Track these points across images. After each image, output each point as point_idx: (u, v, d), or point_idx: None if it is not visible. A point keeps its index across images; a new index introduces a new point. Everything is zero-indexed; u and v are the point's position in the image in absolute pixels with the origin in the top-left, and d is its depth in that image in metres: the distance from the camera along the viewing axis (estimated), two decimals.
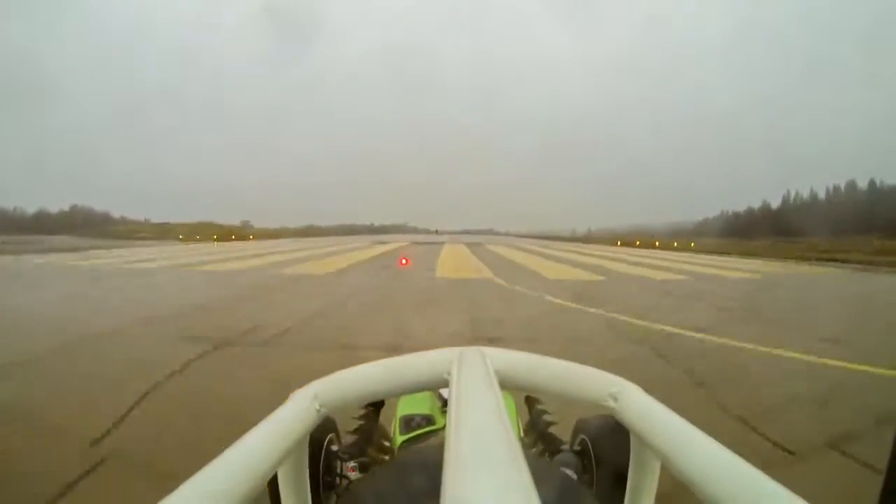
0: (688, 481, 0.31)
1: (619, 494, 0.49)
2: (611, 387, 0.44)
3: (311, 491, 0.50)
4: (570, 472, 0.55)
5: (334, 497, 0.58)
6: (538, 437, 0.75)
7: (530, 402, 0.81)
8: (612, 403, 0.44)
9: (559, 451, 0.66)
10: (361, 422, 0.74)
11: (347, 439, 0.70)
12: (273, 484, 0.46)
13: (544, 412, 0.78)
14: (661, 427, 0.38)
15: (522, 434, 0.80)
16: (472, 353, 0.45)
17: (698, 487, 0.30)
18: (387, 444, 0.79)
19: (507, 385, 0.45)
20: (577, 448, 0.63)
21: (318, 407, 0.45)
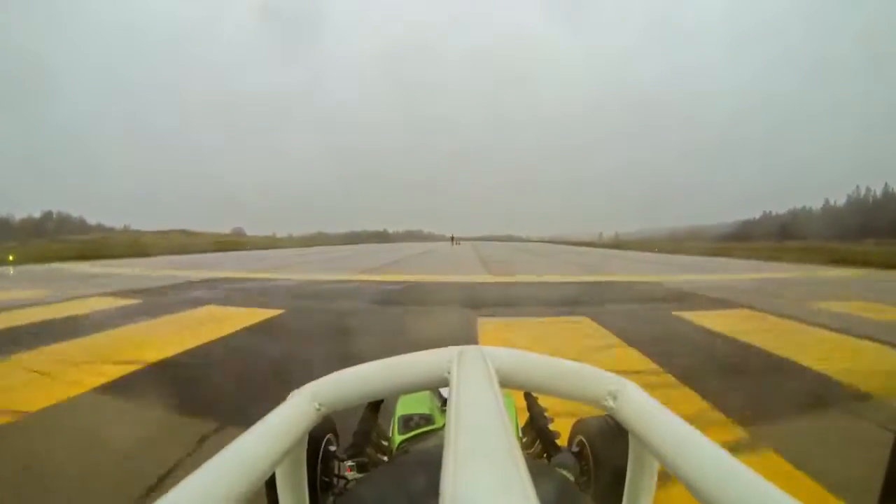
0: (686, 482, 0.31)
1: (617, 495, 0.48)
2: (609, 386, 0.44)
3: (309, 491, 0.49)
4: (568, 472, 0.56)
5: (332, 497, 0.58)
6: (537, 436, 0.75)
7: (529, 400, 0.81)
8: (610, 403, 0.43)
9: (558, 450, 0.67)
10: (360, 421, 0.74)
11: (346, 439, 0.70)
12: (271, 484, 0.46)
13: (543, 411, 0.78)
14: (659, 427, 0.37)
15: (521, 433, 0.80)
16: (472, 351, 0.45)
17: (696, 489, 0.30)
18: (385, 443, 0.79)
19: (506, 384, 0.44)
20: (575, 448, 0.64)
21: (316, 406, 0.44)
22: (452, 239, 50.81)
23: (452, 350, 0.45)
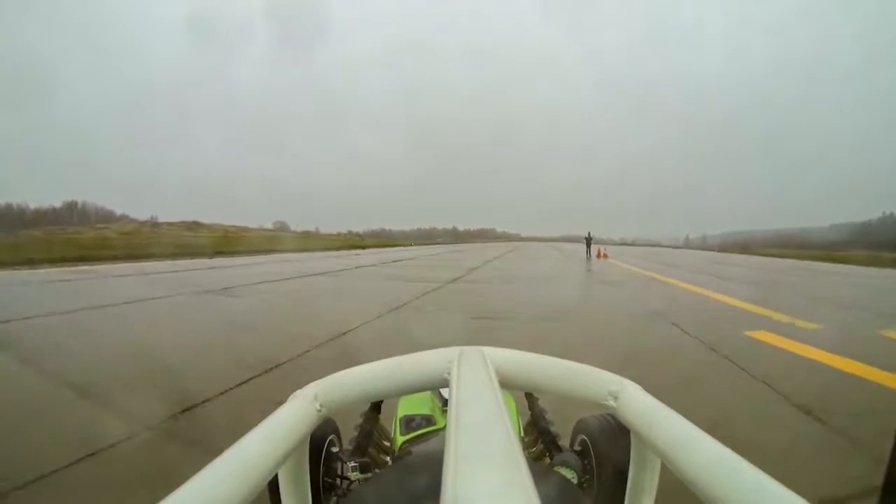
0: (688, 481, 0.31)
1: (619, 494, 0.49)
2: (611, 385, 0.44)
3: (312, 492, 0.49)
4: (570, 471, 0.56)
5: (335, 498, 0.58)
6: (538, 436, 0.76)
7: (530, 401, 0.82)
8: (612, 402, 0.44)
9: (560, 450, 0.67)
10: (361, 422, 0.75)
11: (348, 440, 0.72)
12: (273, 485, 0.46)
13: (544, 411, 0.79)
14: (661, 426, 0.37)
15: (522, 433, 0.81)
16: (473, 352, 0.45)
17: (699, 487, 0.30)
18: (387, 444, 0.80)
19: (507, 384, 0.45)
20: (577, 447, 0.63)
21: (318, 407, 0.44)
22: (588, 241, 25.04)
23: (453, 350, 0.45)
